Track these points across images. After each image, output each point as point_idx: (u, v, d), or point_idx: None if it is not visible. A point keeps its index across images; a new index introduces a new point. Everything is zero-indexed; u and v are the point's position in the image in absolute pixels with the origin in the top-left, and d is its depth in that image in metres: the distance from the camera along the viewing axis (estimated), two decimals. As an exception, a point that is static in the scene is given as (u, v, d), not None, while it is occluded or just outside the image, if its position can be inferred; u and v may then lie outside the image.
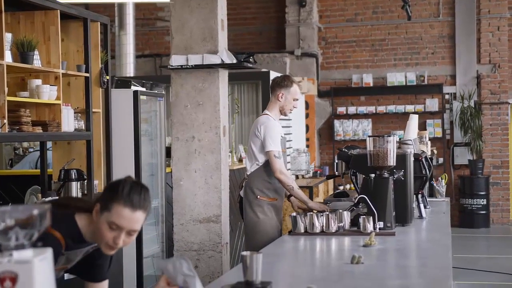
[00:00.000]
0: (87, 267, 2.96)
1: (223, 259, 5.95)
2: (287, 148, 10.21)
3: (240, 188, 5.57)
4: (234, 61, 6.01)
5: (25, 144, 8.75)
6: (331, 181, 11.54)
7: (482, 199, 12.63)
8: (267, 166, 5.30)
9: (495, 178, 12.98)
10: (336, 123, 13.33)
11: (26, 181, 6.39)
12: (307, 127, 12.76)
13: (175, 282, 2.58)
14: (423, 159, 5.24)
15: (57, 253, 2.73)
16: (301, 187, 9.46)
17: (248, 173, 5.44)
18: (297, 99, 5.49)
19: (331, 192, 10.98)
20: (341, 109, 13.33)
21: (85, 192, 5.82)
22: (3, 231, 1.81)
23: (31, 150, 8.48)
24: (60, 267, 2.85)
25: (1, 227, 1.81)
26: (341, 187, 12.04)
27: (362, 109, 13.25)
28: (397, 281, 3.20)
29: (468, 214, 12.67)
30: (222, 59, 5.96)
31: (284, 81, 5.46)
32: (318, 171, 11.36)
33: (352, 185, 12.11)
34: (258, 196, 5.34)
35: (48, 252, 1.84)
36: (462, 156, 12.97)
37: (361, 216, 4.40)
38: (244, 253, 2.80)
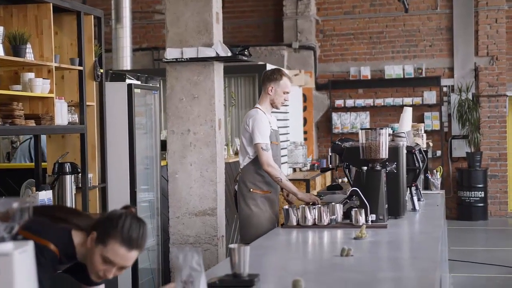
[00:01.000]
0: (83, 270, 2.94)
1: (219, 252, 5.96)
2: (284, 141, 10.27)
3: (236, 182, 5.59)
4: (229, 54, 6.00)
5: (22, 138, 8.74)
6: (328, 174, 11.55)
7: (480, 192, 12.63)
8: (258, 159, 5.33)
9: (493, 170, 12.98)
10: (334, 116, 13.32)
11: (22, 175, 6.39)
12: (305, 120, 12.76)
13: (179, 274, 2.59)
14: (417, 152, 5.24)
15: (52, 266, 2.74)
16: (298, 180, 9.56)
17: (241, 167, 5.48)
18: (287, 92, 5.49)
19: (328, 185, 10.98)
20: (339, 102, 13.32)
21: (79, 185, 5.82)
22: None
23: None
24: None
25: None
26: (339, 180, 12.05)
27: (360, 102, 13.24)
28: (385, 273, 3.21)
29: (466, 207, 12.68)
30: (217, 52, 5.96)
31: (274, 75, 5.47)
32: (316, 164, 11.35)
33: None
34: (251, 189, 5.37)
35: (29, 245, 1.84)
36: (460, 149, 12.97)
37: (353, 209, 4.40)
38: (231, 246, 2.81)
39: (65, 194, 5.63)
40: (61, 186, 5.64)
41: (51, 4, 5.40)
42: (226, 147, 8.29)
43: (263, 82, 5.53)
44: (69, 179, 5.65)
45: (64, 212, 2.96)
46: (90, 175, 5.96)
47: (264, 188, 5.39)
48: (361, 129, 4.64)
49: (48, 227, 2.76)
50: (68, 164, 5.68)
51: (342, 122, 13.32)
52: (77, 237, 2.80)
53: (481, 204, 12.67)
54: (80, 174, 5.81)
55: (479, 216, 12.63)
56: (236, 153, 8.32)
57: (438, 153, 12.95)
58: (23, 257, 1.81)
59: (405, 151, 4.88)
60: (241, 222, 5.50)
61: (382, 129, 4.58)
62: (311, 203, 5.06)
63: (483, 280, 8.22)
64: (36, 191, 5.49)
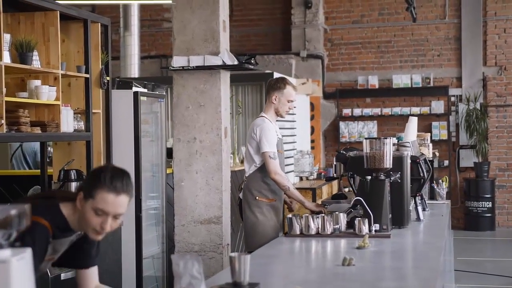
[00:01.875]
0: (73, 254, 3.04)
1: (224, 260, 5.96)
2: (291, 149, 10.27)
3: (240, 191, 5.62)
4: (235, 62, 6.01)
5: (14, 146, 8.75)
6: (335, 183, 11.52)
7: (488, 202, 12.58)
8: (265, 168, 5.35)
9: (500, 180, 12.93)
10: (342, 125, 13.31)
11: (28, 181, 6.42)
12: (313, 128, 12.76)
13: (178, 281, 2.61)
14: (421, 162, 5.23)
15: (46, 240, 2.82)
16: (304, 188, 9.54)
17: (246, 175, 5.52)
18: (292, 101, 5.53)
19: (335, 194, 10.95)
20: (346, 111, 13.32)
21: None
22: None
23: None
24: (47, 258, 2.90)
25: (-21, 227, 1.81)
26: (347, 189, 12.00)
27: (368, 111, 13.23)
28: (386, 283, 3.20)
29: (473, 217, 12.63)
30: (223, 61, 5.97)
31: (278, 83, 5.52)
32: (323, 173, 11.34)
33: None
34: (257, 197, 5.40)
35: (27, 253, 1.85)
36: (468, 159, 12.93)
37: (357, 218, 4.39)
38: (232, 254, 2.82)
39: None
40: (67, 193, 5.65)
41: (58, 12, 5.43)
42: (232, 155, 8.30)
43: (267, 91, 5.58)
44: (74, 186, 5.67)
45: (51, 191, 3.15)
46: (95, 182, 5.97)
47: (270, 196, 5.41)
48: (366, 138, 4.63)
49: (36, 205, 2.82)
50: (74, 171, 5.70)
51: (350, 131, 13.31)
52: (66, 208, 2.88)
53: (489, 215, 12.62)
54: (85, 181, 5.83)
55: (486, 226, 12.58)
56: (242, 161, 8.33)
57: (446, 163, 12.91)
58: (20, 264, 1.81)
59: (409, 161, 4.86)
60: (246, 230, 5.51)
61: (386, 138, 4.58)
62: (316, 212, 5.08)
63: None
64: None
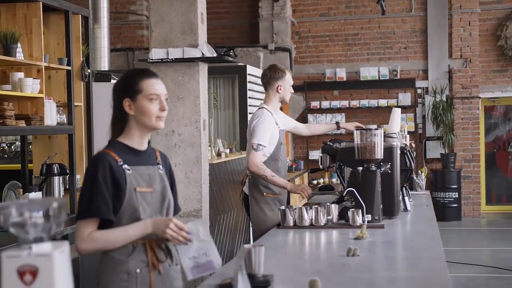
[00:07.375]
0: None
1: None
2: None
3: (243, 185, 5.51)
4: (215, 54, 5.99)
5: (10, 138, 8.61)
6: (305, 175, 11.59)
7: (454, 193, 12.76)
8: (270, 162, 5.27)
9: (466, 171, 13.13)
10: (310, 117, 13.36)
11: (6, 176, 6.30)
12: (281, 121, 12.75)
13: (187, 248, 2.62)
14: (408, 152, 5.28)
15: (108, 163, 2.90)
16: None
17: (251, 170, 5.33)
18: (291, 84, 5.59)
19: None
20: (314, 104, 13.37)
21: (67, 187, 5.75)
22: (21, 224, 1.79)
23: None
24: (144, 189, 2.98)
25: (19, 220, 1.78)
26: (321, 180, 12.06)
27: (336, 103, 13.30)
28: (396, 273, 3.22)
29: (440, 207, 12.78)
30: (202, 53, 5.94)
31: (278, 73, 5.48)
32: (294, 166, 11.38)
33: (327, 179, 12.13)
34: (264, 193, 5.34)
35: (66, 246, 1.82)
36: (434, 150, 13.10)
37: (350, 209, 4.40)
38: (246, 246, 2.79)
39: (53, 196, 5.55)
40: (49, 188, 5.57)
41: (41, 3, 5.33)
42: (209, 148, 8.26)
43: (268, 83, 5.48)
44: (57, 180, 5.58)
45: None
46: (78, 176, 5.90)
47: (276, 191, 5.37)
48: (356, 129, 4.65)
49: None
50: (57, 165, 5.61)
51: (318, 123, 13.36)
52: (121, 138, 3.01)
53: (455, 205, 12.81)
54: (68, 175, 5.74)
55: (453, 216, 12.78)
56: (219, 154, 8.31)
57: (413, 154, 13.04)
58: (62, 257, 1.79)
59: (399, 152, 4.90)
60: (255, 226, 5.41)
61: (377, 129, 4.60)
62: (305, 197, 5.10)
63: (464, 279, 8.30)
64: (24, 193, 5.41)
